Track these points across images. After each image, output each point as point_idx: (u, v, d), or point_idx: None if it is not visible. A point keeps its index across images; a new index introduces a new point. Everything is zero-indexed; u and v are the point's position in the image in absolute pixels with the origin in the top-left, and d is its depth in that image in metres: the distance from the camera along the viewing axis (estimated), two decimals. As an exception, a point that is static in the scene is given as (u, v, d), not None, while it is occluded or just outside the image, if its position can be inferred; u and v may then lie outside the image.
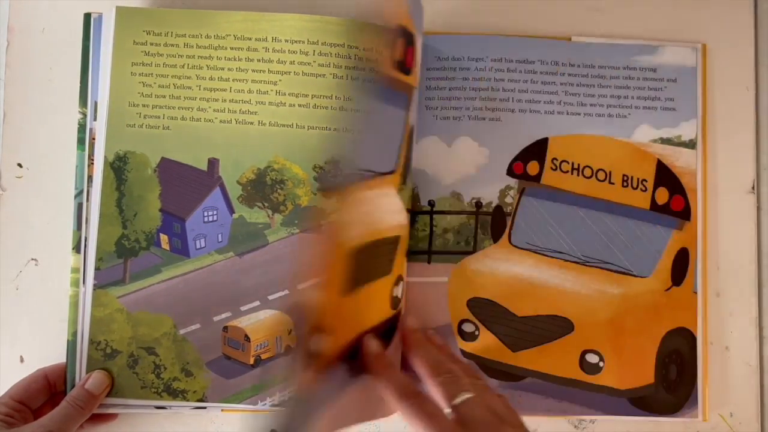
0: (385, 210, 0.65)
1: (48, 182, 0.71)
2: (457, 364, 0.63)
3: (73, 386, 0.65)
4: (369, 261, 0.61)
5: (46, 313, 0.70)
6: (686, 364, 0.70)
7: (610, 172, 0.71)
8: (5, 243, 0.71)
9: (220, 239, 0.67)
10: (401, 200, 0.67)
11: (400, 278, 0.67)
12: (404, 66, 0.63)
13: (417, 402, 0.57)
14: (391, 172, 0.65)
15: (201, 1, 0.74)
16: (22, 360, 0.69)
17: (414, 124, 0.69)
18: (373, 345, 0.62)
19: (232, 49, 0.67)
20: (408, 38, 0.63)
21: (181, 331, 0.66)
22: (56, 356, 0.66)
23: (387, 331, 0.66)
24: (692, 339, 0.70)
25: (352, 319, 0.60)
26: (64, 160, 0.70)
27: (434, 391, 0.60)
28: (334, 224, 0.55)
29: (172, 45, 0.68)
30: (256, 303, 0.67)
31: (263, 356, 0.67)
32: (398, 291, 0.67)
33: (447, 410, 0.58)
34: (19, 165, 0.71)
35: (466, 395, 0.59)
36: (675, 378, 0.70)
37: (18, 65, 0.72)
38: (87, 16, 0.68)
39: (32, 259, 0.71)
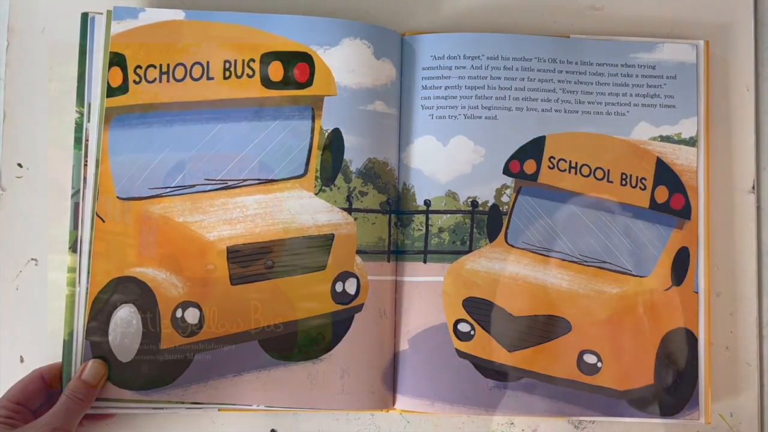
0: (300, 210, 0.67)
1: (48, 182, 0.71)
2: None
3: (70, 384, 0.65)
4: (280, 256, 0.66)
5: (46, 313, 0.70)
6: (686, 365, 0.69)
7: (608, 171, 0.70)
8: (5, 243, 0.71)
9: None
10: (326, 201, 0.68)
11: (347, 274, 0.68)
12: (297, 82, 0.68)
13: None
14: (300, 176, 0.68)
15: (201, 1, 0.74)
16: (22, 360, 0.70)
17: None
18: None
19: None
20: (297, 57, 0.68)
21: None
22: (56, 356, 0.66)
23: (339, 322, 0.67)
24: (693, 340, 0.69)
25: (253, 305, 0.66)
26: (64, 160, 0.70)
27: None
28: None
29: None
30: None
31: None
32: (347, 287, 0.68)
33: None
34: (19, 165, 0.72)
35: None
36: (675, 379, 0.69)
37: (18, 65, 0.73)
38: (84, 16, 0.68)
39: (32, 259, 0.71)
